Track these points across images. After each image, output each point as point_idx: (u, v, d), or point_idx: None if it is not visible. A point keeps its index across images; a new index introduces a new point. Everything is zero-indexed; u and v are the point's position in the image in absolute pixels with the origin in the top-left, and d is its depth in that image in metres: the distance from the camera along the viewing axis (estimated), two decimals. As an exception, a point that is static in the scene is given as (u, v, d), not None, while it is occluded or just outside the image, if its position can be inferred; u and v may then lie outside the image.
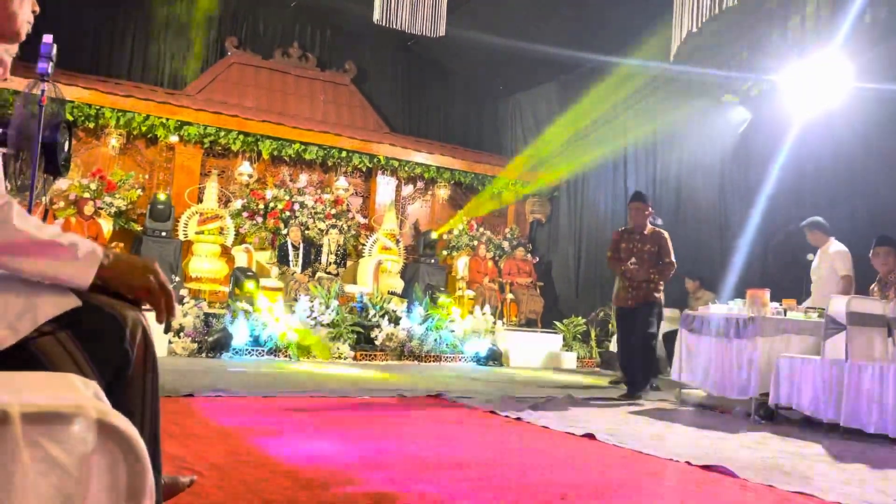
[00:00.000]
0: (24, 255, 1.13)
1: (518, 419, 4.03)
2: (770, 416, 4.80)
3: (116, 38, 10.07)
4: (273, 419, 3.55)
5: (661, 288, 5.81)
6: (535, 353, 8.91)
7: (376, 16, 7.19)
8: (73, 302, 1.17)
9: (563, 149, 11.82)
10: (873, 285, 5.23)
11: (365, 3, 7.65)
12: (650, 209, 5.86)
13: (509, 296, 10.30)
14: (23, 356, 1.09)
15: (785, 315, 5.27)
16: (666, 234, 5.78)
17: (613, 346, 9.11)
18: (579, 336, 9.45)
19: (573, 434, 3.62)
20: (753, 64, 7.93)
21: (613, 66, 10.20)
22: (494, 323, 8.92)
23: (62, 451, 0.72)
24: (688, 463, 3.00)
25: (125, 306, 1.26)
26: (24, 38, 1.38)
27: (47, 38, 3.57)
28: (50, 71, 3.52)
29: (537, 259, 11.31)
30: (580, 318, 9.61)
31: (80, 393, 0.81)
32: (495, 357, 8.50)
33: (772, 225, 7.78)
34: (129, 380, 1.24)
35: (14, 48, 1.41)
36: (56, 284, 1.17)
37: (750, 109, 8.44)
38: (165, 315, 1.28)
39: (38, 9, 1.46)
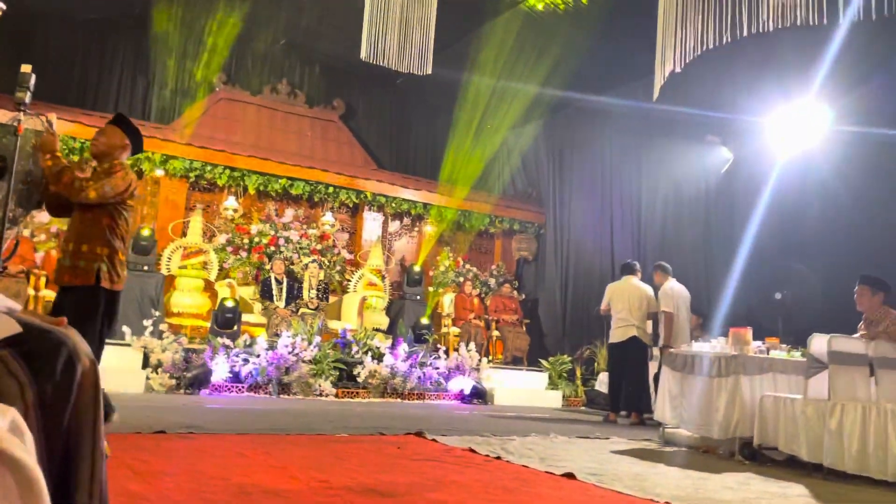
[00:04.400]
0: None
1: (497, 458, 3.95)
2: (753, 456, 4.73)
3: (104, 71, 10.14)
4: (245, 458, 3.46)
5: (105, 259, 3.50)
6: (521, 391, 8.82)
7: (363, 53, 7.27)
8: (14, 328, 1.16)
9: (548, 187, 11.90)
10: (860, 324, 5.21)
11: (353, 41, 7.73)
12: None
13: (495, 333, 10.23)
14: None
15: (768, 353, 5.24)
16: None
17: (599, 385, 9.05)
18: (565, 374, 9.36)
19: (552, 473, 3.54)
20: (737, 105, 8.04)
21: (598, 106, 10.34)
22: (480, 360, 8.84)
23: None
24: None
25: (72, 332, 1.26)
26: None
27: (25, 68, 3.55)
28: (27, 101, 3.50)
29: (524, 296, 11.28)
30: (566, 356, 9.55)
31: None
32: (480, 395, 8.39)
33: (757, 262, 7.80)
34: (74, 399, 1.22)
35: None
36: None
37: (733, 150, 8.55)
38: None
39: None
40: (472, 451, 4.14)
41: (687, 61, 5.90)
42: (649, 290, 7.43)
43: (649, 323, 7.40)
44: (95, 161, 3.73)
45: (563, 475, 3.49)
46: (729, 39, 5.46)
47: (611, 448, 4.85)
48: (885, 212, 6.39)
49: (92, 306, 3.49)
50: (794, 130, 7.27)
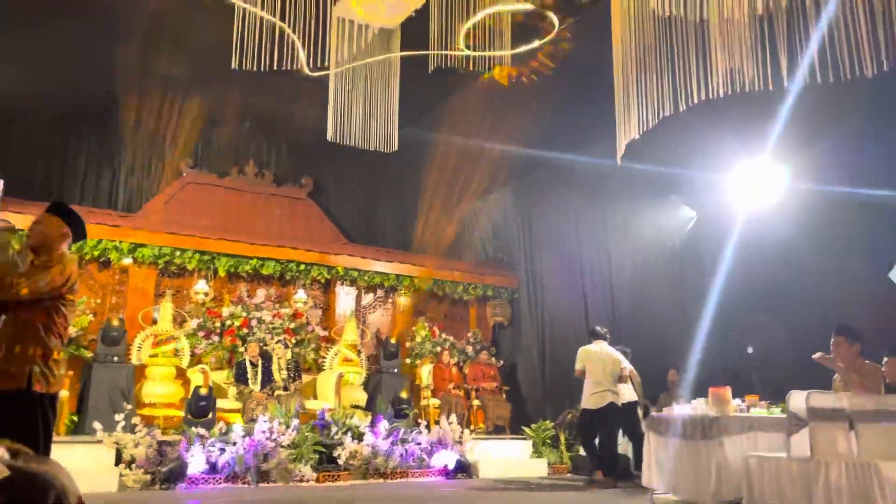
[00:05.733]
0: None
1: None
2: (745, 519, 4.69)
3: (69, 162, 10.12)
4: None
5: (38, 360, 3.29)
6: (505, 461, 8.68)
7: (329, 134, 7.39)
8: (2, 472, 1.17)
9: (519, 251, 12.02)
10: (836, 376, 5.27)
11: (319, 119, 7.87)
12: None
13: (476, 402, 10.11)
14: None
15: (748, 411, 5.27)
16: None
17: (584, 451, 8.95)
18: (549, 441, 9.25)
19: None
20: (698, 163, 8.28)
21: (563, 170, 10.57)
22: (462, 432, 8.71)
23: None
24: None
25: (58, 472, 1.26)
26: None
27: (-7, 176, 3.53)
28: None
29: (502, 362, 11.22)
30: (548, 421, 9.45)
31: None
32: (464, 469, 8.24)
33: (727, 318, 7.90)
34: None
35: None
36: None
37: (696, 208, 8.76)
38: None
39: None
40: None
41: (645, 129, 6.11)
42: (619, 354, 7.59)
43: (621, 387, 7.49)
44: (33, 254, 3.45)
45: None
46: (683, 107, 5.68)
47: (601, 520, 4.77)
48: (843, 265, 6.57)
49: (27, 414, 3.21)
50: (754, 187, 7.51)
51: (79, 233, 3.66)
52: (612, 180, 9.81)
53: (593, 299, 10.56)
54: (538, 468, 8.78)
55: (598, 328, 7.93)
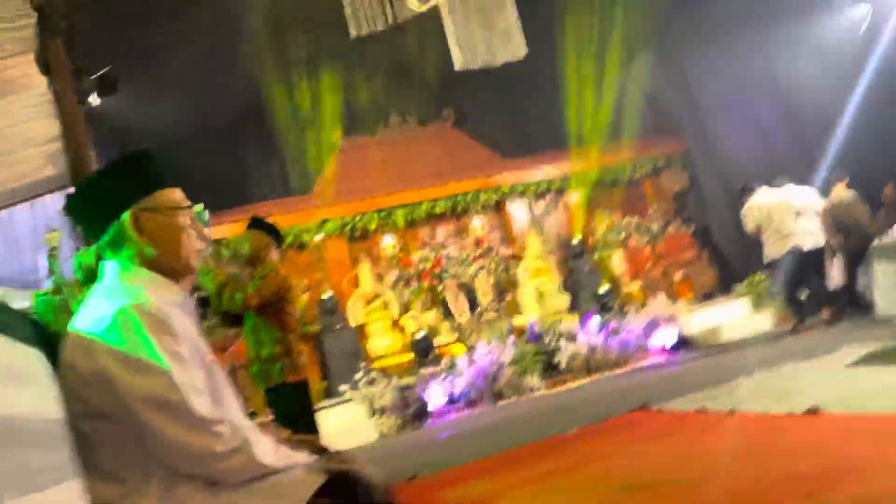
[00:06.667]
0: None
1: (731, 411, 3.88)
2: None
3: (240, 166, 10.97)
4: (499, 480, 3.66)
5: (283, 356, 3.89)
6: (726, 326, 8.48)
7: (457, 65, 7.41)
8: (316, 482, 1.39)
9: (679, 110, 11.31)
10: None
11: (443, 51, 7.86)
12: None
13: (677, 275, 9.94)
14: None
15: None
16: None
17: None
18: (766, 293, 8.88)
19: (793, 414, 3.44)
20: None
21: (707, 5, 9.62)
22: (673, 307, 8.63)
23: None
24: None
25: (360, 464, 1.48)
26: (196, 268, 1.60)
27: (198, 208, 3.99)
28: (208, 234, 3.94)
29: (693, 227, 10.84)
30: (760, 273, 9.03)
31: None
32: (685, 343, 8.21)
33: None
34: None
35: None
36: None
37: (870, 2, 7.73)
38: None
39: (208, 239, 1.70)
40: (703, 411, 4.10)
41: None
42: (784, 191, 7.10)
43: (805, 226, 6.98)
44: (250, 267, 4.03)
45: (807, 412, 3.36)
46: None
47: (845, 361, 4.59)
48: None
49: (294, 403, 3.81)
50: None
51: (279, 238, 4.19)
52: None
53: (774, 131, 9.74)
54: (762, 323, 8.48)
55: (745, 185, 7.50)
